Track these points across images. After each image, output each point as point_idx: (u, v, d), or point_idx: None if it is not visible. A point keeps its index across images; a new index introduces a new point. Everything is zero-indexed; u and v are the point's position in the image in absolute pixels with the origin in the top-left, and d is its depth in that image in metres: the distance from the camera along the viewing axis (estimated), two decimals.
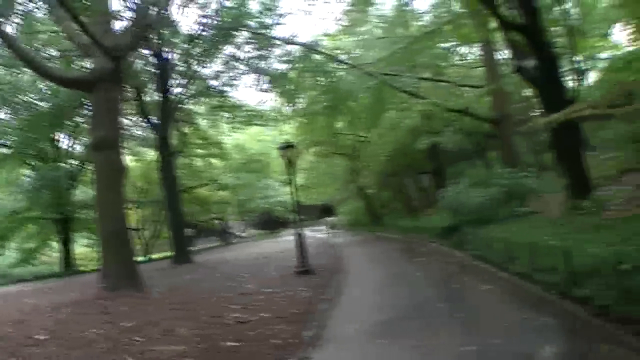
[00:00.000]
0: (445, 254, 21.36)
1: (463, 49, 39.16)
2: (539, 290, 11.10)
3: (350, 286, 16.51)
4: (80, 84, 20.20)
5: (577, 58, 29.38)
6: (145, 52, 33.94)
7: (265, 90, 37.77)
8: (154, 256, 52.73)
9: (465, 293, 12.58)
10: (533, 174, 25.77)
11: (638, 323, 7.46)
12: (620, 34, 36.71)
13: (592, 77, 37.70)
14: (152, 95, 37.63)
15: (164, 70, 34.20)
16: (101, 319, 12.57)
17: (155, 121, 35.43)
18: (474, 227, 22.09)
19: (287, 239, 47.70)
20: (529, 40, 18.41)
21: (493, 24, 21.70)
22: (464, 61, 39.86)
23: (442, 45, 35.13)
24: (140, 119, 38.10)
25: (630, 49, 24.41)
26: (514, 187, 22.96)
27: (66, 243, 45.42)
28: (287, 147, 20.26)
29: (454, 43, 34.63)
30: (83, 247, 59.14)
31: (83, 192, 47.19)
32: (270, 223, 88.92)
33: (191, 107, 41.21)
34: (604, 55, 36.43)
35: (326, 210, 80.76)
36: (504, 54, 33.61)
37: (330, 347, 9.44)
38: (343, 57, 35.21)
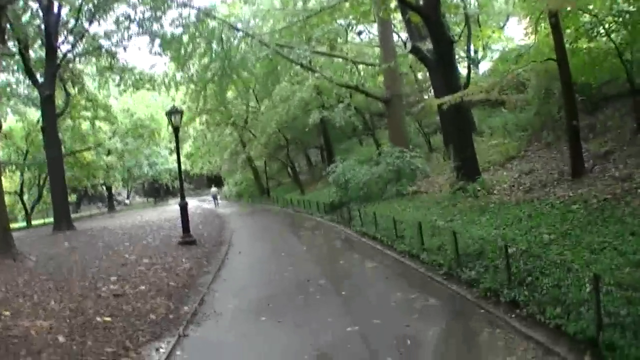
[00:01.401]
0: (331, 229, 21.25)
1: (360, 28, 39.46)
2: (425, 270, 11.04)
3: (233, 259, 16.12)
4: None
5: (472, 47, 30.08)
6: (33, 4, 31.90)
7: (157, 54, 36.34)
8: (35, 222, 50.11)
9: (350, 270, 12.37)
10: (421, 154, 26.02)
11: (525, 307, 7.44)
12: (513, 28, 38.11)
13: (484, 67, 38.89)
14: (37, 52, 35.49)
15: (52, 25, 32.16)
16: None
17: (40, 79, 33.37)
18: (360, 204, 22.12)
19: (173, 207, 46.49)
20: (427, 22, 18.28)
21: (393, 3, 21.62)
22: (360, 39, 40.01)
23: (340, 22, 35.17)
24: (24, 75, 35.73)
25: (522, 43, 25.15)
26: (402, 166, 23.06)
27: None
28: (174, 111, 19.38)
29: (352, 20, 34.65)
30: None
31: None
32: (158, 191, 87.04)
33: (79, 66, 39.13)
34: (496, 47, 37.63)
35: (215, 180, 79.72)
36: (400, 35, 34.12)
37: (209, 324, 8.99)
38: (239, 25, 34.33)
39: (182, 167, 71.38)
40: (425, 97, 34.06)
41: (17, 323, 8.73)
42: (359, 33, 38.18)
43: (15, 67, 35.79)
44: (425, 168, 23.81)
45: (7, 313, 9.31)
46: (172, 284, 11.96)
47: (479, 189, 16.80)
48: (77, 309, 9.68)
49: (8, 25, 28.38)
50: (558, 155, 17.11)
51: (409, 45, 21.43)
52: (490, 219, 13.02)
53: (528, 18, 18.96)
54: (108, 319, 9.04)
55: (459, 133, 18.59)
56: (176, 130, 19.52)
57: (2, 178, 48.37)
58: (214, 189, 58.52)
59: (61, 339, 8.03)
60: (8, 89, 40.78)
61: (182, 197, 20.12)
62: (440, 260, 10.87)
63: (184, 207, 19.44)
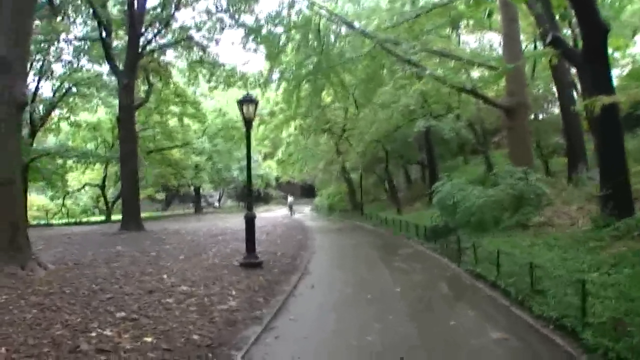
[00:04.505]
0: (433, 262, 16.97)
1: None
2: None
3: (302, 297, 11.87)
4: None
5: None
6: None
7: (251, 50, 34.09)
8: (115, 217, 48.54)
9: (465, 343, 8.01)
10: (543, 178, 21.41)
11: None
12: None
13: None
14: (124, 39, 33.43)
15: (137, 9, 29.78)
16: None
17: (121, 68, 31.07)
18: (471, 233, 17.95)
19: (261, 215, 44.34)
20: (576, 3, 14.07)
21: None
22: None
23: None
24: (106, 62, 33.53)
25: None
26: (525, 191, 18.53)
27: None
28: (246, 100, 15.70)
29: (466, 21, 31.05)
30: (42, 199, 56.55)
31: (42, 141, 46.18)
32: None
33: (169, 59, 37.11)
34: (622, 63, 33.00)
35: (309, 190, 77.87)
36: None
37: None
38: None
39: (274, 173, 70.20)
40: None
41: None
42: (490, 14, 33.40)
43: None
44: (548, 194, 19.24)
45: None
46: (195, 337, 8.08)
47: (632, 226, 12.36)
48: None
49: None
50: None
51: (546, 34, 16.81)
52: None
53: None
54: None
55: (608, 151, 14.11)
56: (248, 123, 15.83)
57: (87, 170, 47.92)
58: (290, 199, 56.90)
59: None
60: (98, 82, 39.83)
61: (250, 207, 16.33)
62: (621, 350, 6.55)
63: (250, 221, 15.68)
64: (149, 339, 7.78)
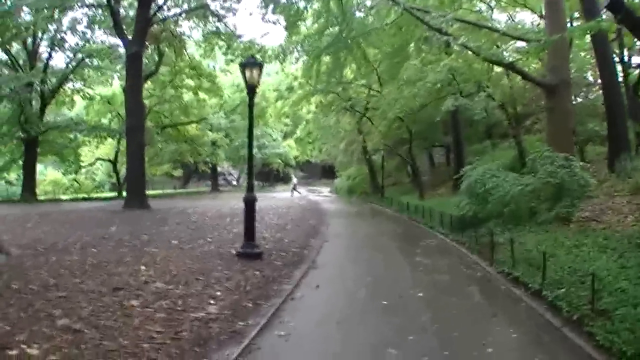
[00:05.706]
0: (460, 257, 14.88)
1: None
2: None
3: (302, 304, 9.63)
4: None
5: None
6: None
7: (271, 22, 31.91)
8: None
9: None
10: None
11: None
12: None
13: None
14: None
15: None
16: None
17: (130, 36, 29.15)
18: (504, 226, 15.79)
19: (278, 195, 42.49)
20: None
21: None
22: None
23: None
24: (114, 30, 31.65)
25: None
26: (567, 180, 16.06)
27: (28, 166, 39.15)
28: (249, 64, 13.56)
29: None
30: (58, 174, 55.43)
31: (57, 114, 45.26)
32: (267, 176, 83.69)
33: (183, 30, 35.39)
34: None
35: (329, 171, 76.01)
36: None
37: None
38: None
39: (293, 152, 68.38)
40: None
41: None
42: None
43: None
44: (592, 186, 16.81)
45: None
46: None
47: None
48: None
49: None
50: None
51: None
52: None
53: None
54: None
55: None
56: (251, 89, 13.61)
57: (101, 145, 46.66)
58: (294, 180, 55.10)
59: None
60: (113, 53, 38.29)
61: (250, 188, 13.98)
62: None
63: (250, 204, 13.53)
64: None
